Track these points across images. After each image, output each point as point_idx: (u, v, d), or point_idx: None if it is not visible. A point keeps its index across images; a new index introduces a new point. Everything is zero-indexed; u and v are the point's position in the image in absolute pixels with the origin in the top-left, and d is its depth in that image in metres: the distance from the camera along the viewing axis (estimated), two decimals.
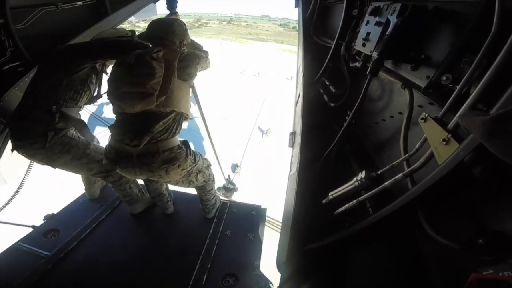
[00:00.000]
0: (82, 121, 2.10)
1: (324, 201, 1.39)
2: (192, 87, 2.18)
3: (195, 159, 2.07)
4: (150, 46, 1.89)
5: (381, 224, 1.00)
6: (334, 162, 1.67)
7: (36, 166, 2.34)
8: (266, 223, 2.90)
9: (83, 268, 2.11)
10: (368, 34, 1.38)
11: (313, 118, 1.89)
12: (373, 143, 1.66)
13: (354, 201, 1.19)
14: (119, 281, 2.03)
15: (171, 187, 2.68)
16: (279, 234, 1.61)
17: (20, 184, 2.46)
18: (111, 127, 1.88)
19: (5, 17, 2.07)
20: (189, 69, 1.88)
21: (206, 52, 2.22)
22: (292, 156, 1.88)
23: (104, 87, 2.33)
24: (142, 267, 2.13)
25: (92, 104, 2.31)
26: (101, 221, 2.57)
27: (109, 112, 12.01)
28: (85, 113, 10.61)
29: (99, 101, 2.36)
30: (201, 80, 2.29)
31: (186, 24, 2.40)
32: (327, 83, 2.13)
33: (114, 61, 1.89)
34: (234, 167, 9.42)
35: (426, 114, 0.88)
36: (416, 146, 0.96)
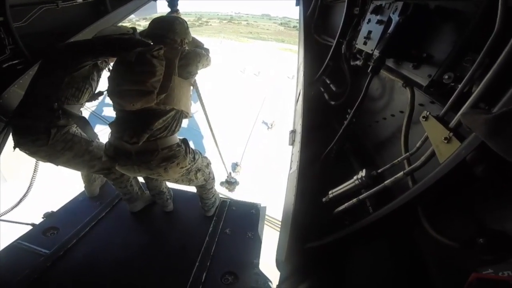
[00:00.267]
0: (84, 118, 2.10)
1: (324, 199, 1.38)
2: (194, 85, 2.17)
3: (194, 158, 2.06)
4: (152, 44, 1.89)
5: (381, 223, 1.00)
6: (334, 161, 1.67)
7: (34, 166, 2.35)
8: (265, 222, 2.90)
9: (82, 266, 2.11)
10: (369, 32, 1.37)
11: (313, 117, 1.89)
12: (373, 141, 1.66)
13: (354, 200, 1.18)
14: (118, 279, 2.03)
15: (171, 185, 2.68)
16: (278, 233, 1.61)
17: (30, 185, 2.47)
18: (111, 125, 1.87)
19: (5, 15, 2.06)
20: (190, 67, 1.88)
21: (207, 50, 2.22)
22: (292, 154, 1.88)
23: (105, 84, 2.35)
24: (142, 265, 2.13)
25: (93, 101, 2.30)
26: (101, 219, 2.57)
27: (109, 111, 12.00)
28: (85, 111, 10.60)
29: (99, 99, 2.36)
30: (201, 78, 2.29)
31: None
32: (328, 82, 2.13)
33: (115, 58, 1.90)
34: (234, 166, 9.42)
35: (428, 113, 0.88)
36: (417, 145, 0.95)
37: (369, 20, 1.40)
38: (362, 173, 1.18)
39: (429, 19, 1.03)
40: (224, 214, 2.69)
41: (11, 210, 2.56)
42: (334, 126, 1.93)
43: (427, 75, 0.98)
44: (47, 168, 2.41)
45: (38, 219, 2.60)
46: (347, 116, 1.49)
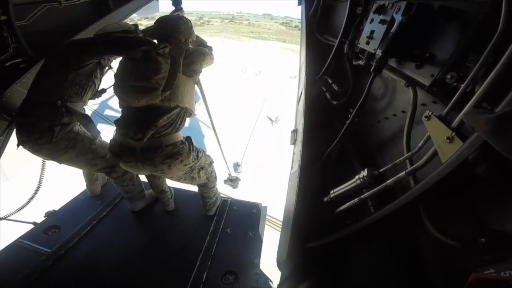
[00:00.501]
0: (87, 116, 2.11)
1: (325, 199, 1.38)
2: (198, 83, 2.18)
3: (197, 156, 2.08)
4: (156, 42, 1.90)
5: (382, 223, 0.99)
6: (336, 160, 1.66)
7: (37, 162, 2.35)
8: (266, 222, 2.90)
9: (83, 265, 2.12)
10: (372, 32, 1.37)
11: (315, 116, 1.89)
12: (375, 141, 1.65)
13: (356, 199, 1.18)
14: (119, 278, 2.04)
15: (172, 184, 2.70)
16: (279, 232, 1.60)
17: (39, 184, 2.48)
18: (116, 122, 1.90)
19: (8, 13, 2.07)
20: (194, 66, 1.90)
21: (210, 48, 2.24)
22: (294, 154, 1.88)
23: (108, 81, 2.35)
24: (143, 264, 2.14)
25: (96, 98, 2.31)
26: (102, 218, 2.57)
27: (111, 110, 12.04)
28: (88, 110, 10.62)
29: (102, 97, 2.36)
30: (202, 78, 2.30)
31: None
32: (330, 81, 2.12)
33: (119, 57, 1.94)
34: (236, 166, 9.41)
35: (430, 112, 0.88)
36: (419, 144, 0.95)
37: (372, 20, 1.40)
38: (364, 172, 1.18)
39: (432, 19, 1.03)
40: (225, 214, 2.69)
41: (18, 211, 2.57)
42: (336, 126, 1.93)
43: (429, 75, 0.98)
44: (49, 167, 2.42)
45: (39, 218, 2.60)
46: (349, 115, 1.49)
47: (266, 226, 2.90)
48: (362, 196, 1.16)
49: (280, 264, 1.36)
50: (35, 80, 1.98)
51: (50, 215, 2.62)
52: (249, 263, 2.18)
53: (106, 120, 11.30)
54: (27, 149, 1.96)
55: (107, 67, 2.31)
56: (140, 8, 3.87)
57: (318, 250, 1.28)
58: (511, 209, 0.71)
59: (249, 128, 12.25)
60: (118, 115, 1.95)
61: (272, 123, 13.45)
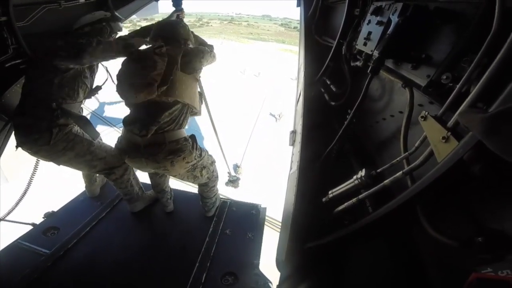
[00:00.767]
0: (85, 118, 2.11)
1: (324, 199, 1.39)
2: (199, 84, 2.25)
3: (200, 154, 2.16)
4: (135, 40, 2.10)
5: (380, 222, 1.00)
6: (334, 161, 1.67)
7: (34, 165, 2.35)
8: (266, 223, 2.90)
9: (82, 266, 2.12)
10: (369, 33, 1.38)
11: (313, 117, 1.89)
12: (373, 141, 1.66)
13: (354, 200, 1.19)
14: (118, 279, 2.04)
15: (172, 185, 2.70)
16: (278, 233, 1.61)
17: (28, 185, 2.48)
18: (124, 120, 1.98)
19: (8, 14, 2.07)
20: (193, 63, 1.98)
21: (211, 46, 2.32)
22: (293, 154, 1.89)
23: (101, 79, 2.35)
24: (142, 265, 2.14)
25: (92, 96, 2.31)
26: (101, 219, 2.58)
27: (110, 111, 12.01)
28: (86, 111, 10.63)
29: (101, 100, 2.37)
30: (201, 79, 2.32)
31: (187, 23, 2.52)
32: (328, 82, 2.13)
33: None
34: (235, 168, 9.41)
35: (426, 113, 0.88)
36: (416, 144, 0.96)
37: (369, 21, 1.41)
38: (362, 173, 1.18)
39: (428, 20, 1.04)
40: (224, 215, 2.70)
41: (11, 212, 2.56)
42: (334, 127, 1.94)
43: (425, 76, 0.99)
44: (48, 168, 2.42)
45: (38, 219, 2.60)
46: (347, 116, 1.50)
47: (266, 226, 2.90)
48: (360, 196, 1.17)
49: (279, 265, 1.37)
50: (26, 84, 1.99)
51: (49, 216, 2.63)
52: (248, 264, 2.18)
53: (105, 121, 11.28)
54: (26, 150, 1.96)
55: (97, 67, 2.32)
56: (140, 10, 3.87)
57: (317, 250, 1.29)
58: (508, 208, 0.72)
59: (249, 129, 12.25)
60: (118, 116, 1.99)
61: (276, 120, 13.69)
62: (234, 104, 14.60)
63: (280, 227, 1.78)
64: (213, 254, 2.24)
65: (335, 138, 1.58)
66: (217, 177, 2.58)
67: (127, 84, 1.81)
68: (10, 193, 2.58)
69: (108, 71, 2.43)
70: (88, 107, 10.83)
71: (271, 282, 2.07)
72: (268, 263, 1.96)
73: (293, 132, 2.07)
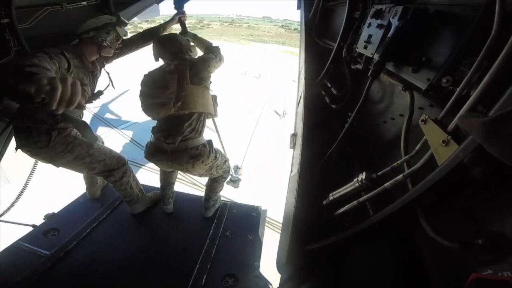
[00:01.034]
0: (84, 123, 2.11)
1: (324, 202, 1.39)
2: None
3: (216, 157, 2.38)
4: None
5: (381, 225, 1.00)
6: (335, 164, 1.67)
7: (37, 166, 2.35)
8: (267, 225, 2.91)
9: (82, 267, 2.12)
10: (369, 36, 1.39)
11: (314, 120, 1.89)
12: (374, 144, 1.66)
13: (354, 202, 1.19)
14: (118, 281, 2.04)
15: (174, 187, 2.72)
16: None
17: (25, 185, 2.47)
18: (153, 129, 2.25)
19: (11, 16, 2.08)
20: (201, 74, 2.14)
21: (217, 48, 2.44)
22: (293, 157, 1.89)
23: (103, 84, 2.35)
24: (142, 267, 2.14)
25: (93, 101, 2.31)
26: (102, 221, 2.58)
27: (111, 114, 12.02)
28: (88, 114, 10.64)
29: (103, 101, 2.38)
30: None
31: (187, 25, 2.71)
32: (329, 85, 2.14)
33: (113, 57, 2.29)
34: (236, 169, 9.42)
35: (426, 116, 0.89)
36: (417, 148, 0.96)
37: (370, 24, 1.42)
38: (362, 175, 1.18)
39: (428, 23, 1.04)
40: (224, 217, 2.70)
41: (7, 211, 2.56)
42: (335, 129, 1.94)
43: (426, 79, 0.99)
44: (48, 170, 2.42)
45: (39, 221, 2.61)
46: (348, 119, 1.50)
47: (268, 228, 2.90)
48: (361, 199, 1.17)
49: (279, 267, 1.37)
50: None
51: (49, 217, 2.63)
52: (249, 266, 2.18)
53: (107, 123, 11.29)
54: (25, 152, 1.96)
55: (100, 72, 2.32)
56: (141, 12, 3.89)
57: (318, 252, 1.28)
58: (508, 211, 0.72)
59: (251, 130, 12.25)
60: (119, 118, 2.01)
61: (280, 117, 13.87)
62: (236, 106, 14.62)
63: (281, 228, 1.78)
64: (213, 256, 2.24)
65: (335, 141, 1.58)
66: (229, 172, 2.81)
67: (147, 104, 2.07)
68: (12, 194, 2.58)
69: (110, 77, 2.44)
70: (90, 109, 10.86)
71: (271, 284, 2.07)
72: (269, 265, 1.96)
73: (294, 135, 2.07)
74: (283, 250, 1.37)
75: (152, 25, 2.70)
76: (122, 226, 2.57)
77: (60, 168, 2.16)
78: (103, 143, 2.57)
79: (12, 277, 1.95)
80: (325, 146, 1.68)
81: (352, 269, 1.25)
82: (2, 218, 2.55)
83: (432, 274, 0.96)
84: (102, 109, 12.34)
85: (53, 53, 1.68)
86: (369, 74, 1.27)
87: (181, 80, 2.02)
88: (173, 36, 2.34)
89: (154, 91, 2.04)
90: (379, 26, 1.29)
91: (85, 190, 2.91)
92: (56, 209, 2.73)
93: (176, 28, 2.99)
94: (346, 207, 1.24)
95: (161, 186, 2.77)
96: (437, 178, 0.75)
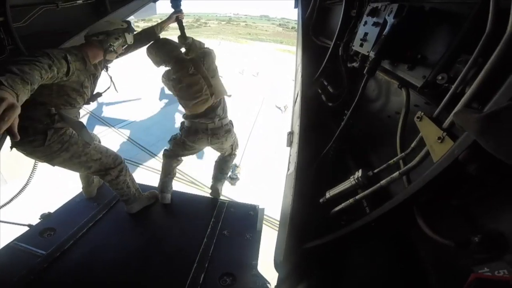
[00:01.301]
0: (81, 123, 2.10)
1: (321, 200, 1.39)
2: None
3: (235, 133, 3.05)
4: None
5: (377, 223, 1.00)
6: (331, 162, 1.67)
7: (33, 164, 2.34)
8: (266, 223, 2.92)
9: (79, 267, 2.11)
10: (365, 34, 1.39)
11: (311, 118, 1.90)
12: (370, 142, 1.67)
13: (351, 200, 1.19)
14: (115, 280, 2.03)
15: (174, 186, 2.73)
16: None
17: (25, 185, 2.46)
18: (187, 116, 2.75)
19: (5, 15, 2.06)
20: (212, 66, 2.65)
21: (210, 49, 2.79)
22: (290, 155, 1.89)
23: (103, 85, 2.34)
24: (139, 267, 2.13)
25: (92, 102, 2.30)
26: (98, 220, 2.57)
27: (108, 112, 11.96)
28: (84, 112, 10.57)
29: (100, 100, 2.37)
30: None
31: (184, 23, 2.80)
32: (325, 83, 2.14)
33: (114, 58, 2.27)
34: (234, 168, 9.42)
35: (422, 113, 0.89)
36: (412, 145, 0.97)
37: (366, 22, 1.42)
38: (359, 173, 1.19)
39: (423, 21, 1.04)
40: (222, 216, 2.69)
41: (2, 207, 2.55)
42: (331, 127, 1.95)
43: (421, 76, 0.99)
44: (44, 169, 2.41)
45: (35, 220, 2.59)
46: (344, 117, 1.50)
47: (267, 227, 2.91)
48: (357, 197, 1.17)
49: (277, 266, 1.37)
50: None
51: (45, 217, 2.61)
52: (246, 265, 2.18)
53: (104, 122, 11.23)
54: (20, 151, 1.95)
55: (100, 73, 2.30)
56: (137, 10, 3.86)
57: (315, 250, 1.29)
58: (504, 208, 0.72)
59: (249, 128, 12.24)
60: (116, 117, 2.00)
61: (282, 111, 14.06)
62: (234, 104, 14.57)
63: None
64: (211, 254, 2.24)
65: (332, 139, 1.58)
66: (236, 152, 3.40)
67: (193, 104, 2.55)
68: (9, 194, 2.56)
69: (112, 81, 2.42)
70: (86, 108, 10.79)
71: (269, 283, 2.07)
72: (267, 263, 1.96)
73: (291, 133, 2.07)
74: (280, 249, 1.37)
75: (149, 24, 2.69)
76: (119, 226, 2.56)
77: (56, 167, 2.15)
78: (99, 142, 2.55)
79: (9, 277, 1.94)
80: (321, 144, 1.69)
81: (349, 267, 1.25)
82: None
83: (429, 272, 0.97)
84: (98, 107, 12.29)
85: (56, 57, 1.66)
86: (365, 72, 1.27)
87: (206, 79, 2.54)
88: (167, 40, 2.64)
89: (194, 94, 2.52)
90: (375, 24, 1.29)
91: (81, 189, 2.89)
92: (52, 209, 2.71)
93: (173, 27, 2.98)
94: (343, 204, 1.24)
95: (162, 176, 2.95)
96: (433, 175, 0.75)
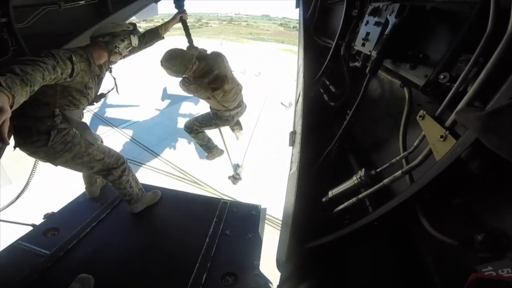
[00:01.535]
0: (84, 124, 2.11)
1: (324, 199, 1.39)
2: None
3: None
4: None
5: (380, 221, 1.01)
6: (334, 161, 1.68)
7: (39, 165, 2.36)
8: (267, 222, 2.92)
9: (82, 266, 2.12)
10: (367, 34, 1.39)
11: (313, 118, 1.90)
12: (372, 141, 1.67)
13: (354, 199, 1.19)
14: (118, 280, 2.04)
15: (173, 186, 2.72)
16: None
17: (26, 185, 2.47)
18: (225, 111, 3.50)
19: (8, 15, 2.07)
20: (228, 64, 3.26)
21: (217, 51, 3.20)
22: (292, 155, 1.89)
23: (106, 86, 2.35)
24: (142, 266, 2.14)
25: (95, 103, 2.31)
26: (101, 220, 2.58)
27: (111, 112, 12.00)
28: (88, 113, 10.59)
29: (103, 100, 2.37)
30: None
31: (187, 23, 2.61)
32: (327, 83, 2.14)
33: (118, 60, 2.30)
34: (236, 167, 9.43)
35: (424, 112, 0.89)
36: (415, 144, 0.97)
37: (367, 22, 1.42)
38: (361, 172, 1.19)
39: (425, 20, 1.05)
40: (224, 215, 2.70)
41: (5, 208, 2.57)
42: (333, 127, 1.95)
43: (423, 75, 1.00)
44: (47, 169, 2.42)
45: (38, 220, 2.61)
46: (347, 116, 1.50)
47: (268, 226, 2.91)
48: (360, 196, 1.17)
49: (279, 265, 1.37)
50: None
51: (49, 217, 2.63)
52: (249, 265, 2.18)
53: (107, 122, 11.27)
54: (23, 151, 1.96)
55: (104, 74, 2.32)
56: (139, 11, 3.88)
57: (318, 250, 1.29)
58: (506, 206, 0.72)
59: (251, 127, 12.23)
60: (119, 117, 2.00)
61: (286, 108, 14.15)
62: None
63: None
64: (213, 254, 2.24)
65: (334, 138, 1.59)
66: None
67: (237, 103, 3.49)
68: (13, 194, 2.58)
69: (115, 82, 2.43)
70: (90, 108, 10.83)
71: (271, 283, 2.07)
72: (269, 263, 1.97)
73: (293, 133, 2.08)
74: (282, 248, 1.38)
75: (151, 25, 2.71)
76: (122, 226, 2.58)
77: (59, 167, 2.16)
78: (102, 142, 2.57)
79: (12, 276, 1.96)
80: (324, 144, 1.69)
81: (352, 266, 1.25)
82: (2, 217, 2.55)
83: (431, 271, 0.97)
84: (101, 108, 12.32)
85: (61, 58, 1.67)
86: (367, 71, 1.27)
87: (230, 79, 3.21)
88: (178, 49, 2.78)
89: (234, 95, 3.31)
90: (377, 24, 1.29)
91: (84, 190, 2.91)
92: (55, 209, 2.73)
93: (176, 27, 2.99)
94: (346, 204, 1.24)
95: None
96: (436, 173, 0.75)
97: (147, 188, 2.90)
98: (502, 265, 0.62)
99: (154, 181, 3.30)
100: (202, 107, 3.31)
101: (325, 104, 2.06)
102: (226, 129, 4.27)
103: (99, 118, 11.51)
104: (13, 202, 2.55)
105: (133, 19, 4.10)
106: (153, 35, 2.59)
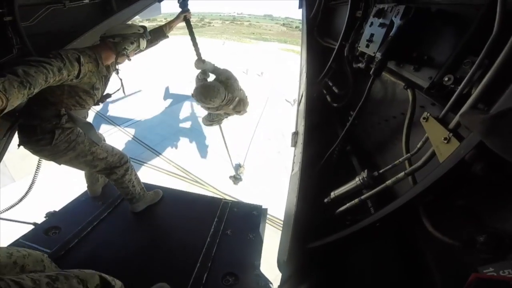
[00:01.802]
0: (89, 124, 2.12)
1: (326, 200, 1.39)
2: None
3: None
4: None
5: (382, 223, 1.01)
6: (336, 162, 1.68)
7: (42, 164, 2.36)
8: (269, 222, 2.91)
9: (83, 265, 2.11)
10: (372, 35, 1.39)
11: (315, 118, 1.90)
12: (375, 143, 1.67)
13: (356, 200, 1.19)
14: (119, 279, 2.04)
15: (174, 186, 2.73)
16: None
17: (31, 185, 2.48)
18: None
19: (13, 14, 2.08)
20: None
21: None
22: (295, 155, 1.89)
23: (113, 86, 2.36)
24: (143, 266, 2.14)
25: (101, 103, 2.32)
26: (103, 219, 2.58)
27: (114, 111, 12.03)
28: (90, 111, 10.58)
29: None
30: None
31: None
32: (330, 84, 2.14)
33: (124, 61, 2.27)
34: (238, 167, 9.44)
35: (428, 114, 0.89)
36: (418, 145, 0.97)
37: (372, 23, 1.42)
38: (364, 173, 1.19)
39: (430, 22, 1.05)
40: (225, 215, 2.69)
41: (10, 209, 2.58)
42: (336, 128, 1.95)
43: (428, 77, 1.00)
44: (50, 168, 2.43)
45: (40, 219, 2.61)
46: (349, 118, 1.50)
47: (270, 226, 2.91)
48: (362, 197, 1.17)
49: (280, 265, 1.37)
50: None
51: (50, 215, 2.63)
52: (249, 265, 2.18)
53: (109, 121, 11.30)
54: (27, 149, 1.97)
55: (111, 75, 2.32)
56: (143, 10, 3.90)
57: (319, 250, 1.29)
58: (509, 208, 0.72)
59: (252, 127, 12.23)
60: (122, 116, 2.00)
61: (292, 105, 14.21)
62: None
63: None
64: (214, 254, 2.24)
65: (337, 139, 1.59)
66: None
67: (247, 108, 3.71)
68: (17, 193, 2.59)
69: (122, 83, 2.44)
70: (92, 107, 10.85)
71: (271, 283, 2.07)
72: (270, 263, 1.97)
73: (295, 133, 2.08)
74: (284, 249, 1.38)
75: (154, 24, 2.72)
76: (123, 225, 2.58)
77: (62, 165, 2.17)
78: (104, 140, 2.57)
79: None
80: (326, 145, 1.69)
81: (353, 267, 1.25)
82: (4, 216, 2.56)
83: (433, 272, 0.97)
84: (104, 107, 12.35)
85: (69, 59, 1.68)
86: (371, 72, 1.27)
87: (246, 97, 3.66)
88: (210, 85, 2.98)
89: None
90: (381, 25, 1.29)
91: (86, 188, 2.92)
92: (57, 207, 2.74)
93: (179, 26, 3.00)
94: (348, 205, 1.24)
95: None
96: (439, 175, 0.75)
97: (149, 187, 2.90)
98: (503, 266, 0.61)
99: (156, 180, 3.31)
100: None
101: (328, 105, 2.06)
102: (226, 129, 4.30)
103: (102, 117, 11.54)
104: (16, 204, 2.55)
105: (136, 18, 4.12)
106: (158, 34, 2.60)
